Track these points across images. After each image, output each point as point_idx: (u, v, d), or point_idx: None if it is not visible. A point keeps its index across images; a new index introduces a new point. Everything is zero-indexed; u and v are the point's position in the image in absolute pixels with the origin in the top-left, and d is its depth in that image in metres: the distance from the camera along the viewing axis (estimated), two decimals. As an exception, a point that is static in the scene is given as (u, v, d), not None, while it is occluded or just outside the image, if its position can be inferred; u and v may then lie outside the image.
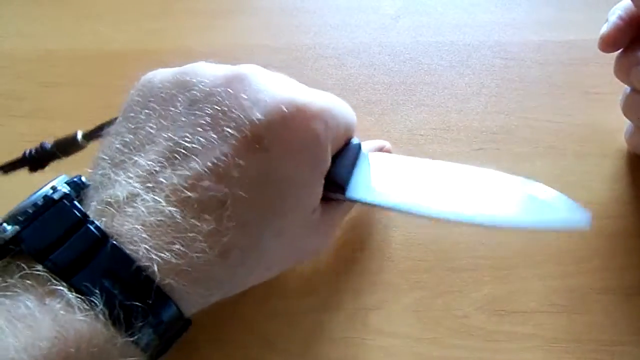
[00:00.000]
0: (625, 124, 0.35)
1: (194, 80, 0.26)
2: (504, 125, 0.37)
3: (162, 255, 0.23)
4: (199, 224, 0.23)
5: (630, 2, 0.30)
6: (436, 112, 0.38)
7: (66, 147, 0.30)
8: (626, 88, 0.33)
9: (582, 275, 0.32)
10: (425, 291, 0.32)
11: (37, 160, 0.30)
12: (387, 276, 0.32)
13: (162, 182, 0.24)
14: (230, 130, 0.24)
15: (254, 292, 0.32)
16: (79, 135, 0.30)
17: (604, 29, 0.31)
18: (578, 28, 0.41)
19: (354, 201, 0.29)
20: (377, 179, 0.29)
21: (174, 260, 0.23)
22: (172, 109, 0.25)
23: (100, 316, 0.21)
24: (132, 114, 0.26)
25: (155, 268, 0.22)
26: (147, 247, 0.22)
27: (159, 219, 0.23)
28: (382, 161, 0.30)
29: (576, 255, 0.33)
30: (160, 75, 0.27)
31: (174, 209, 0.23)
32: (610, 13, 0.31)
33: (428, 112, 0.38)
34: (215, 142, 0.24)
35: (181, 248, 0.23)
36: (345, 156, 0.29)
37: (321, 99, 0.26)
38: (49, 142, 0.31)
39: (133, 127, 0.26)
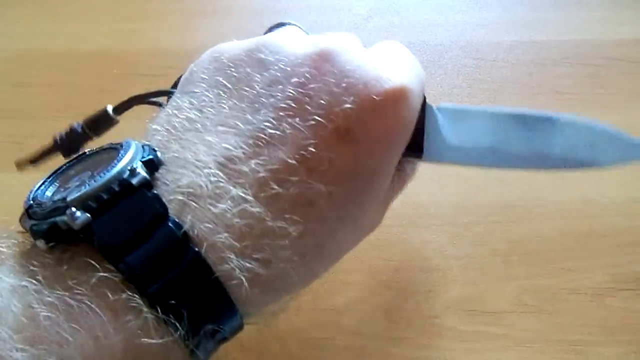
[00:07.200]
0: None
1: (271, 59, 0.22)
2: (476, 125, 0.37)
3: (248, 265, 0.19)
4: (287, 226, 0.20)
5: None
6: (409, 112, 0.38)
7: (97, 125, 0.27)
8: None
9: (552, 275, 0.32)
10: (396, 291, 0.32)
11: (69, 144, 0.27)
12: (358, 276, 0.32)
13: (245, 173, 0.20)
14: (318, 118, 0.21)
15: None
16: (110, 109, 0.27)
17: None
18: (550, 28, 0.42)
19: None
20: (451, 135, 0.26)
21: (259, 271, 0.20)
22: (247, 89, 0.22)
23: (179, 341, 0.18)
24: (196, 90, 0.23)
25: (245, 282, 0.19)
26: (232, 256, 0.19)
27: (246, 221, 0.20)
28: (451, 113, 0.27)
29: (546, 255, 0.33)
30: (229, 51, 0.24)
31: (261, 208, 0.20)
32: None
33: (401, 112, 0.38)
34: (303, 131, 0.21)
35: (266, 256, 0.20)
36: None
37: (407, 76, 0.23)
38: (78, 123, 0.28)
39: (198, 104, 0.22)
